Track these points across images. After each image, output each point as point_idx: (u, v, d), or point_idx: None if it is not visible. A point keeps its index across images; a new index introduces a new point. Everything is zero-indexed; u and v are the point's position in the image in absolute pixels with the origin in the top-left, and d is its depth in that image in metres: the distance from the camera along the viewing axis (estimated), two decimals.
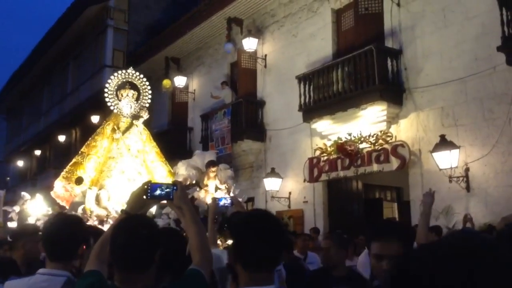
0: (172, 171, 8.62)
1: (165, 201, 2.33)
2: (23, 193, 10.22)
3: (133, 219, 2.11)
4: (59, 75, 24.91)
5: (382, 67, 10.07)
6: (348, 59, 10.70)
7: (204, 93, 16.25)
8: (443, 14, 9.69)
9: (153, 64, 17.84)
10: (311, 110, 11.45)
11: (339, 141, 10.95)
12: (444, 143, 8.88)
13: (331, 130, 11.30)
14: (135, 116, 8.47)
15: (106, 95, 8.31)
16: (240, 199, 6.80)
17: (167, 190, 2.23)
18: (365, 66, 10.25)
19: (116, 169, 8.17)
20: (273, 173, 12.34)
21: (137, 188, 2.33)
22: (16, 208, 10.03)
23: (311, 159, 11.79)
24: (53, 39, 23.07)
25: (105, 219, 7.35)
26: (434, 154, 8.99)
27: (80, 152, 8.63)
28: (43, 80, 26.71)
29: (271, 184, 12.29)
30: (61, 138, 23.56)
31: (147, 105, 8.61)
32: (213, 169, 7.34)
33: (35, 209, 9.03)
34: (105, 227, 6.03)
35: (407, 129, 10.14)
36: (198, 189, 7.34)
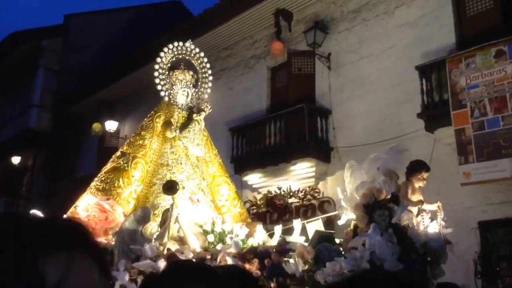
0: (237, 192, 6.38)
1: None
2: (32, 211, 7.48)
3: None
4: None
5: (312, 125, 10.48)
6: (281, 115, 11.06)
7: None
8: (370, 79, 10.33)
9: (85, 106, 17.47)
10: (243, 163, 11.58)
11: (269, 195, 11.11)
12: None
13: (261, 183, 11.46)
14: (193, 109, 6.12)
15: (156, 74, 6.34)
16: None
17: None
18: (296, 123, 10.61)
19: None
20: None
21: None
22: None
23: None
24: None
25: (208, 256, 4.65)
26: None
27: (120, 152, 6.01)
28: None
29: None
30: None
31: (206, 95, 6.35)
32: (425, 175, 4.73)
33: None
34: None
35: (333, 186, 10.46)
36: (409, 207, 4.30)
